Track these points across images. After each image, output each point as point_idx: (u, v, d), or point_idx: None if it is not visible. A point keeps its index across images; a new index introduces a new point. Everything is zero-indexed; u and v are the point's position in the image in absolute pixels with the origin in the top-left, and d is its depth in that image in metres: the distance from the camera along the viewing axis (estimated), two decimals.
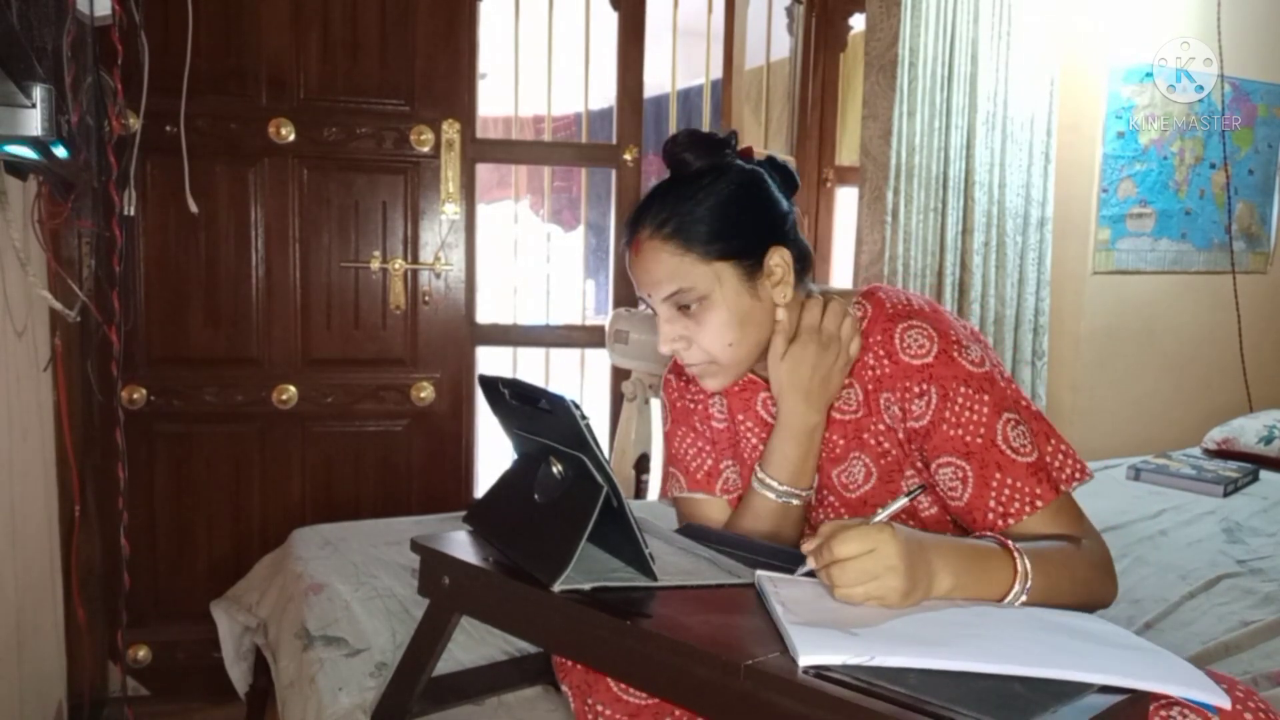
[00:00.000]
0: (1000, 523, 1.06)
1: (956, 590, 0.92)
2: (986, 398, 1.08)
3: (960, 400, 1.09)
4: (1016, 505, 1.06)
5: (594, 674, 1.06)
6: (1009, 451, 1.07)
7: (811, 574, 0.93)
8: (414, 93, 2.42)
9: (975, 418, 1.08)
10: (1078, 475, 1.11)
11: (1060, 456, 1.11)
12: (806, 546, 0.93)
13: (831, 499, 1.23)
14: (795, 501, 1.18)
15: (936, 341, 1.11)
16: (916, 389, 1.11)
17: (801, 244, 1.17)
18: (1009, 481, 1.06)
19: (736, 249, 1.11)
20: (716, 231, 1.10)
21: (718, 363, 1.15)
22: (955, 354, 1.10)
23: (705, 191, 1.11)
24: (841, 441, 1.19)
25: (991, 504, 1.07)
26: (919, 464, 1.14)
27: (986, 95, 2.61)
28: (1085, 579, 1.01)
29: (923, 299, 1.18)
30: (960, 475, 1.08)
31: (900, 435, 1.14)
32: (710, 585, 0.97)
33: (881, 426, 1.16)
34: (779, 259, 1.13)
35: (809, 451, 1.17)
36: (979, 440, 1.07)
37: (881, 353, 1.14)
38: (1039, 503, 1.06)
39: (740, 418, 1.27)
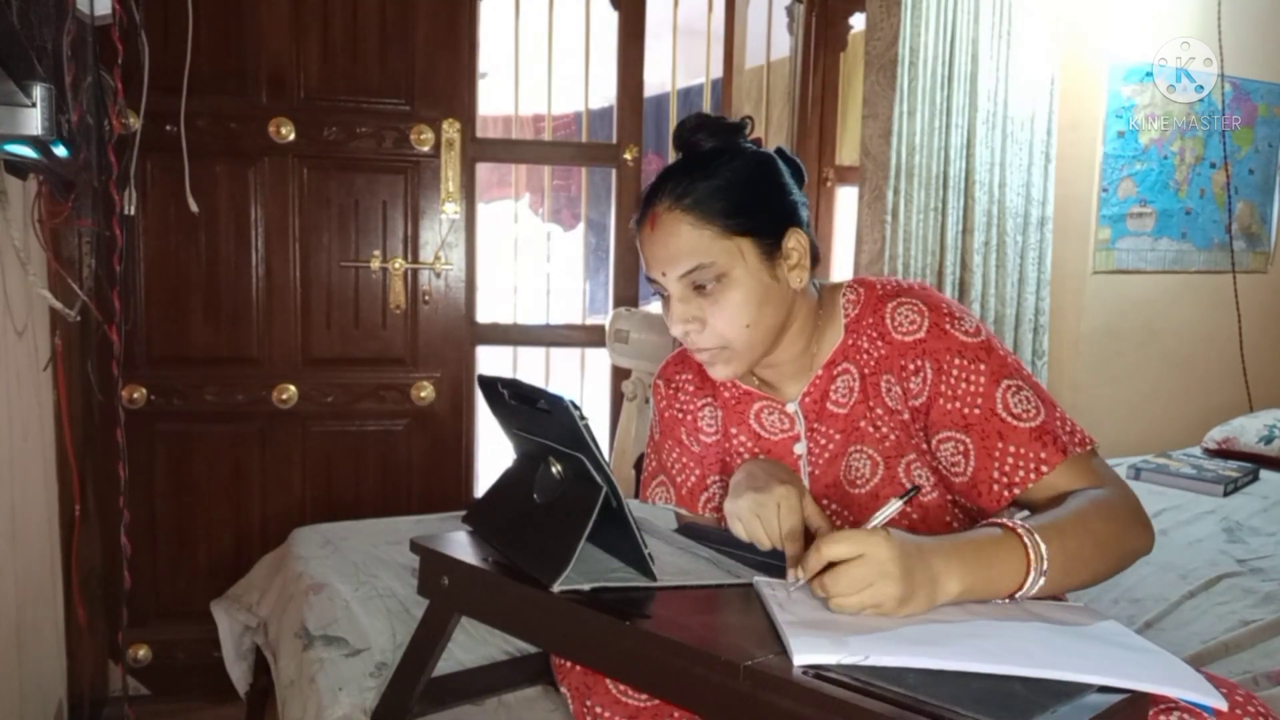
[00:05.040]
0: (1006, 494, 1.03)
1: (967, 594, 0.86)
2: (983, 366, 1.06)
3: (955, 372, 1.06)
4: (1021, 473, 1.03)
5: (592, 676, 1.05)
6: (1010, 419, 1.04)
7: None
8: (414, 92, 2.42)
9: (971, 388, 1.06)
10: (1081, 445, 1.05)
11: (1068, 424, 1.06)
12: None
13: (834, 506, 1.18)
14: None
15: (927, 316, 1.09)
16: (912, 366, 1.09)
17: (813, 238, 1.14)
18: (1011, 449, 1.03)
19: (756, 225, 1.07)
20: (737, 205, 1.07)
21: (731, 347, 1.09)
22: (947, 326, 1.08)
23: (724, 168, 1.08)
24: (838, 436, 1.16)
25: (995, 474, 1.04)
26: (922, 445, 1.11)
27: (986, 95, 2.61)
28: (1110, 537, 0.95)
29: (913, 280, 1.15)
30: (961, 449, 1.06)
31: (905, 417, 1.11)
32: (710, 585, 0.97)
33: (880, 411, 1.13)
34: (796, 242, 1.10)
35: None
36: (976, 411, 1.05)
37: (875, 334, 1.12)
38: (1044, 468, 1.02)
39: (733, 430, 1.23)
